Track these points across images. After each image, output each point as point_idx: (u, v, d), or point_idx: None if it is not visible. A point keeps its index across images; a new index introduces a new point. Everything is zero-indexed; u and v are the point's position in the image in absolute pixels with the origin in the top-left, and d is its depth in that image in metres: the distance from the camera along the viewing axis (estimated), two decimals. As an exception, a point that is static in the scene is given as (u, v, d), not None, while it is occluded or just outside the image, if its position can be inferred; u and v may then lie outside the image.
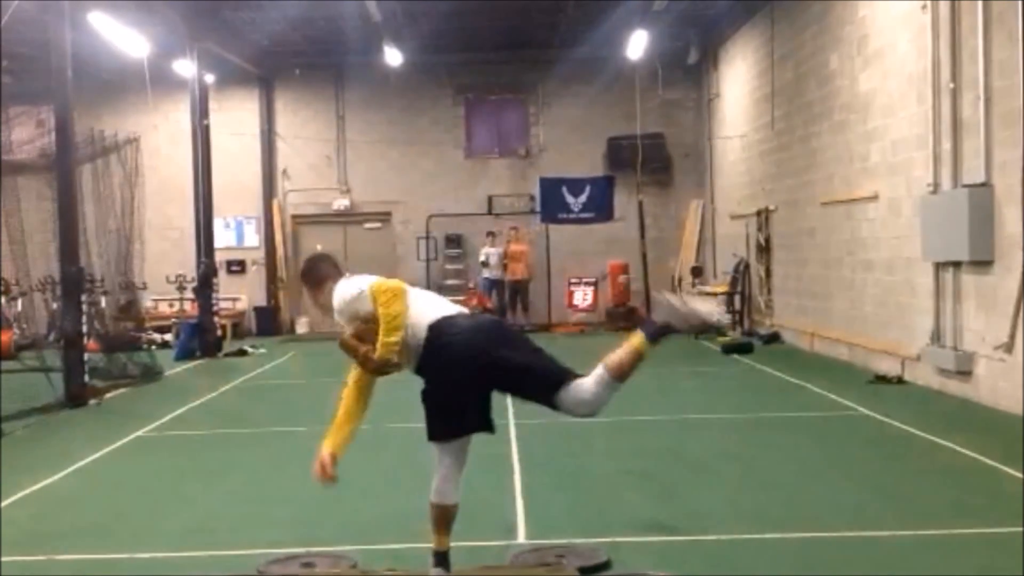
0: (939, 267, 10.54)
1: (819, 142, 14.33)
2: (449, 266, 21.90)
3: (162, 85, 18.08)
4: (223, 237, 20.64)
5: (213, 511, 6.73)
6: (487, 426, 4.73)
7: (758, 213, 17.20)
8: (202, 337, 17.10)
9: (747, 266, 17.98)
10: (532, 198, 21.02)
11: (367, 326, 4.56)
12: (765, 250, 17.04)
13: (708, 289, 18.86)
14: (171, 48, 17.49)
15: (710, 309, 4.71)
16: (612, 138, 21.35)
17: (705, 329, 3.57)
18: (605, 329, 20.12)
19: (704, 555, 5.44)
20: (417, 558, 5.08)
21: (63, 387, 11.48)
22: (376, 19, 16.52)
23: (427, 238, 21.60)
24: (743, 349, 15.29)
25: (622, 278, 20.73)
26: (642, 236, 21.17)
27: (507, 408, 10.48)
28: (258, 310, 21.63)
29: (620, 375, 4.47)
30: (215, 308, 17.75)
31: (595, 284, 20.85)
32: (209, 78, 18.67)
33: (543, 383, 4.56)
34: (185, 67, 17.76)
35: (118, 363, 13.85)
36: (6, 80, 15.55)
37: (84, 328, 11.93)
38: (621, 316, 20.33)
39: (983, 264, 9.67)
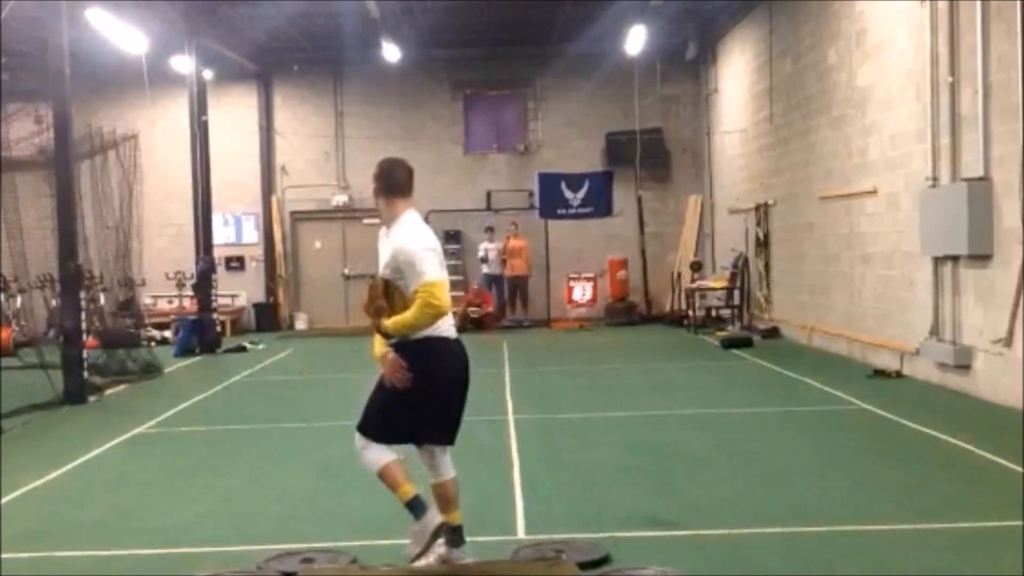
0: (938, 261, 10.55)
1: (818, 137, 14.32)
2: (448, 262, 21.77)
3: (160, 81, 18.06)
4: (222, 233, 20.62)
5: (212, 507, 6.73)
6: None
7: (757, 208, 17.21)
8: (201, 334, 17.11)
9: (746, 261, 17.98)
10: (531, 194, 21.01)
11: (390, 286, 4.92)
12: (764, 245, 17.05)
13: (707, 284, 18.86)
14: (169, 44, 17.48)
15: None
16: (611, 133, 21.34)
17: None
18: (605, 324, 20.15)
19: (703, 550, 5.44)
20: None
21: (62, 384, 11.48)
22: (374, 15, 16.49)
23: (426, 234, 21.51)
24: (742, 344, 15.31)
25: (621, 273, 20.70)
26: (641, 231, 21.20)
27: (507, 404, 10.53)
28: (257, 306, 21.59)
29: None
30: (214, 304, 17.77)
31: (594, 280, 20.84)
32: (207, 74, 18.65)
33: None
34: (183, 63, 17.75)
35: (117, 360, 13.83)
36: (4, 77, 15.55)
37: (83, 325, 11.94)
38: (620, 311, 20.37)
39: (982, 258, 9.68)
